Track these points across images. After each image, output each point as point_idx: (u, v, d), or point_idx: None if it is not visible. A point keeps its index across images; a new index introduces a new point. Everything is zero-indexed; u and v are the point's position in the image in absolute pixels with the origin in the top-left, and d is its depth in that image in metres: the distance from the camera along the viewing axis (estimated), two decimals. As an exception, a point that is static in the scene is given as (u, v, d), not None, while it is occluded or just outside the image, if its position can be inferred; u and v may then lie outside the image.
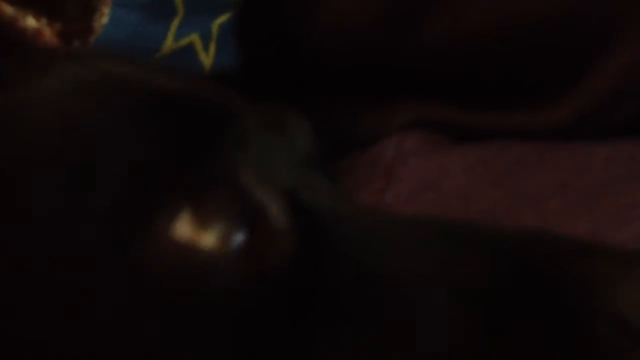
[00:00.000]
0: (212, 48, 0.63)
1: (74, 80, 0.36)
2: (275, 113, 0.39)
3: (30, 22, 0.54)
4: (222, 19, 0.63)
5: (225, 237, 0.33)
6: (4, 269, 0.32)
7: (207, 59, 0.62)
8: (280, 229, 0.34)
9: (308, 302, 0.33)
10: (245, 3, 0.63)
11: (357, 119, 0.64)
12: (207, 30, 0.62)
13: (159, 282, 0.32)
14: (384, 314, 0.33)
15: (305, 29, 0.63)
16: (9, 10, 0.54)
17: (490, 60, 0.61)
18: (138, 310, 0.32)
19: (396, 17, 0.61)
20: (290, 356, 0.33)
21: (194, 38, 0.62)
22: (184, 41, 0.61)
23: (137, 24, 0.59)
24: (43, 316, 0.32)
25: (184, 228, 0.32)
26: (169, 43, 0.61)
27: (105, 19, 0.58)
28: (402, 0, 0.61)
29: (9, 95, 0.35)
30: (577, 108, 0.60)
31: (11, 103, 0.35)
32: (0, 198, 0.33)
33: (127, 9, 0.59)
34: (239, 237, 0.33)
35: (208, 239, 0.32)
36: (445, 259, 0.35)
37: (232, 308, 0.32)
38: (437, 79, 0.62)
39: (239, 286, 0.32)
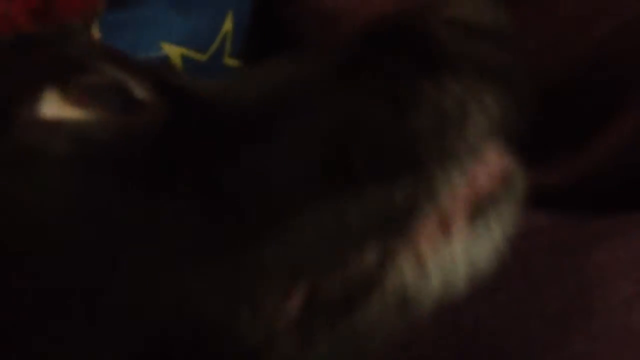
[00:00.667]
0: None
1: None
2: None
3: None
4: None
5: (91, 110, 0.39)
6: None
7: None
8: (142, 100, 0.40)
9: (177, 164, 0.39)
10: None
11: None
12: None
13: (39, 153, 0.37)
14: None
15: None
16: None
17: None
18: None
19: None
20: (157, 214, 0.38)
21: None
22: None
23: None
24: None
25: (51, 107, 0.39)
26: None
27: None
28: None
29: None
30: (575, 172, 0.60)
31: None
32: None
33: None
34: (104, 110, 0.39)
35: (75, 114, 0.39)
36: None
37: (107, 170, 0.37)
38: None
39: (111, 151, 0.38)
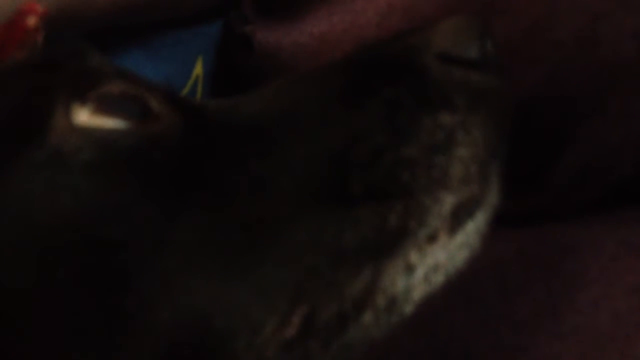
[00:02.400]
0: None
1: None
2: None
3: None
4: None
5: (117, 120, 0.42)
6: None
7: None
8: (160, 112, 0.43)
9: (193, 168, 0.41)
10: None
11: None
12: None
13: (72, 158, 0.40)
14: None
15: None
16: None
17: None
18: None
19: None
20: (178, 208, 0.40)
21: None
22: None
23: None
24: None
25: (81, 116, 0.42)
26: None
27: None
28: None
29: None
30: (530, 204, 0.62)
31: None
32: None
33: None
34: (128, 120, 0.42)
35: (104, 123, 0.42)
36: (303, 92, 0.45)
37: (129, 174, 0.40)
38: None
39: (135, 157, 0.41)
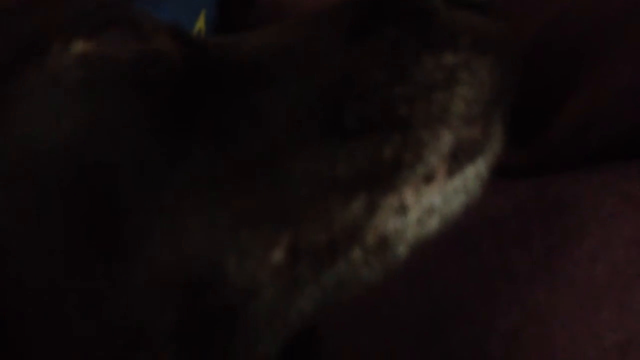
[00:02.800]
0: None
1: None
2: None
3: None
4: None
5: (119, 50, 0.42)
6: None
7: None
8: (163, 44, 0.43)
9: (193, 98, 0.42)
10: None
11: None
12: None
13: (73, 84, 0.41)
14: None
15: None
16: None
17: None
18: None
19: None
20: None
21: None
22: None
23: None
24: None
25: (84, 46, 0.42)
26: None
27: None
28: None
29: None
30: (553, 139, 0.62)
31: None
32: None
33: None
34: (130, 51, 0.42)
35: (107, 52, 0.42)
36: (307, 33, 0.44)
37: (132, 100, 0.41)
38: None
39: (136, 83, 0.41)
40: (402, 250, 0.41)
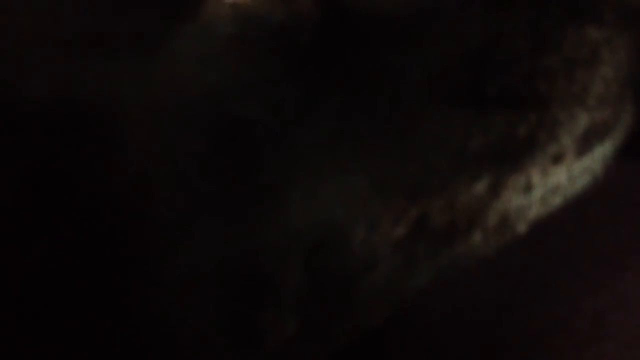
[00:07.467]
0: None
1: None
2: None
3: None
4: None
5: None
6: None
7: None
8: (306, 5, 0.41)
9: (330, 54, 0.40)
10: None
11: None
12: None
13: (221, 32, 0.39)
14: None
15: None
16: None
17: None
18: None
19: None
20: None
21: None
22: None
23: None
24: None
25: None
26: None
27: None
28: None
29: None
30: None
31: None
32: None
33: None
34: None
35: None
36: None
37: (274, 52, 0.39)
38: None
39: (278, 35, 0.39)
40: (521, 227, 0.40)
